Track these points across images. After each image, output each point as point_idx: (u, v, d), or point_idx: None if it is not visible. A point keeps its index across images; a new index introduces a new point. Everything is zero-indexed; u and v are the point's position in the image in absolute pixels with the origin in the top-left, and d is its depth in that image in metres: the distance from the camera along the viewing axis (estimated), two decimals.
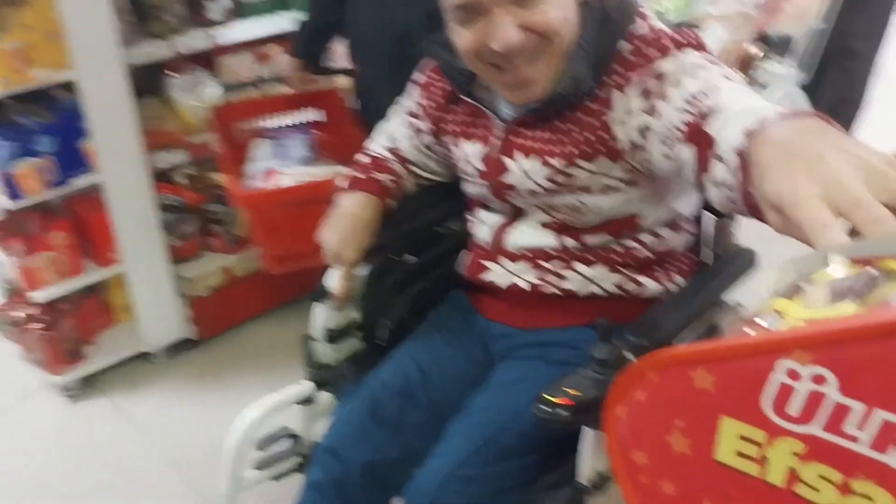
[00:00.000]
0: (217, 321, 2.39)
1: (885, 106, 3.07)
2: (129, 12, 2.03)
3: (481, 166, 1.24)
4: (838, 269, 0.51)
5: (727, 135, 0.84)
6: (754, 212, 0.77)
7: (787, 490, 0.40)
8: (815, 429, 0.37)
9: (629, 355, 0.95)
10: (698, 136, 0.90)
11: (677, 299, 1.14)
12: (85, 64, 1.88)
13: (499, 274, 1.28)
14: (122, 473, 2.00)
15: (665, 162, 1.02)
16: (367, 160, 1.42)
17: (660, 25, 1.13)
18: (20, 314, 2.11)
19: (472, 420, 1.17)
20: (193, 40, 2.11)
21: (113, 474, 1.99)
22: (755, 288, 1.25)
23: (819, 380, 0.36)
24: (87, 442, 2.11)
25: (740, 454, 0.41)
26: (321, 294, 1.33)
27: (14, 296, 2.17)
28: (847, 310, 0.45)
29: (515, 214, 1.27)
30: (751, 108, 0.84)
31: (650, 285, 1.22)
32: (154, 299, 2.22)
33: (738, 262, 1.21)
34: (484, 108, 1.22)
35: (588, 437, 1.02)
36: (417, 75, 1.36)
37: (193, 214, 2.28)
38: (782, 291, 0.53)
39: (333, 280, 1.33)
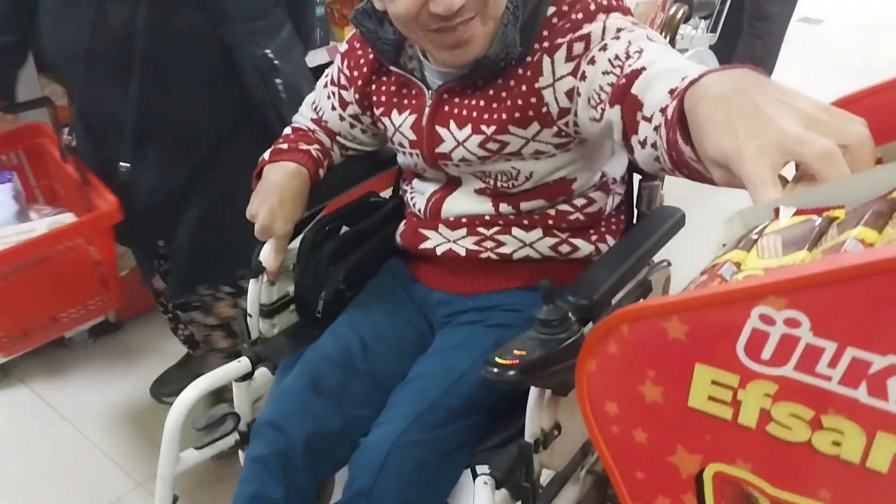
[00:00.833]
0: (137, 302, 2.32)
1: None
2: None
3: (413, 136, 1.24)
4: (785, 220, 0.53)
5: (652, 95, 0.86)
6: (681, 169, 0.79)
7: (758, 431, 0.42)
8: (788, 370, 0.39)
9: (571, 315, 0.97)
10: (624, 97, 0.92)
11: (611, 259, 1.17)
12: None
13: (437, 241, 1.29)
14: (54, 462, 1.93)
15: (593, 125, 1.04)
16: (290, 132, 1.40)
17: None
18: None
19: (415, 386, 1.18)
20: None
21: (45, 464, 1.92)
22: (684, 245, 1.30)
23: (792, 323, 0.38)
24: (11, 433, 2.03)
25: (713, 399, 0.43)
26: (255, 269, 1.30)
27: None
28: (799, 257, 0.47)
29: (450, 182, 1.27)
30: (675, 67, 0.86)
31: (583, 247, 1.26)
32: None
33: (667, 222, 1.25)
34: (413, 78, 1.22)
35: (533, 395, 1.04)
36: (340, 45, 1.34)
37: None
38: (734, 243, 0.55)
39: (265, 254, 1.30)
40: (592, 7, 1.09)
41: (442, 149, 1.21)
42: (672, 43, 1.41)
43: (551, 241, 1.24)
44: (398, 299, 1.34)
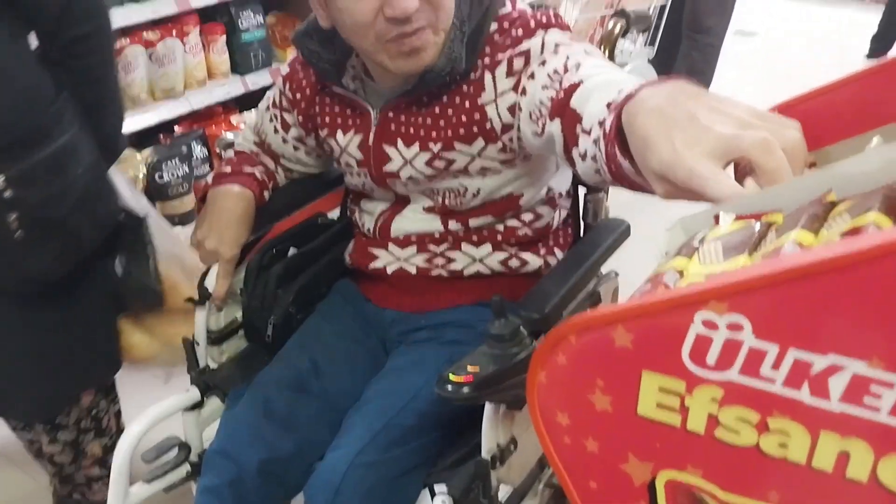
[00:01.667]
0: None
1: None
2: None
3: (360, 156, 1.23)
4: (725, 226, 0.54)
5: (590, 108, 0.86)
6: (621, 181, 0.80)
7: (707, 436, 0.43)
8: (733, 374, 0.40)
9: (523, 329, 0.97)
10: (563, 111, 0.93)
11: (560, 272, 1.17)
12: None
13: (387, 260, 1.28)
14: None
15: (536, 139, 1.05)
16: (233, 156, 1.38)
17: (523, 6, 1.16)
18: None
19: (369, 407, 1.16)
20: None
21: None
22: (630, 255, 1.32)
23: (734, 327, 0.38)
24: None
25: (661, 406, 0.43)
26: (202, 296, 1.28)
27: None
28: (740, 262, 0.48)
29: (399, 201, 1.27)
30: (612, 80, 0.87)
31: (532, 261, 1.26)
32: None
33: (613, 233, 1.27)
34: (357, 98, 1.21)
35: (488, 411, 1.04)
36: (282, 67, 1.33)
37: None
38: (676, 251, 0.56)
39: (211, 280, 1.28)
40: (532, 24, 1.10)
41: (389, 167, 1.20)
42: (611, 57, 1.44)
43: (501, 255, 1.25)
44: (349, 320, 1.33)
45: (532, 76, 1.05)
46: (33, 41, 1.15)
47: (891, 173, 0.46)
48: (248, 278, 1.34)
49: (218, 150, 2.43)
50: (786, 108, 0.68)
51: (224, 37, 2.47)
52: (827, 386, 0.38)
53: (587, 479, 0.51)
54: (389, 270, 1.28)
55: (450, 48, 1.09)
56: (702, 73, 3.12)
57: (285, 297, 1.34)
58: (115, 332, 1.37)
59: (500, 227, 1.24)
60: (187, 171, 2.34)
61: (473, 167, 1.16)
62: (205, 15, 2.41)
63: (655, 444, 0.45)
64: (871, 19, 4.82)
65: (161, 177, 2.29)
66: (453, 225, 1.23)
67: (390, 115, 1.19)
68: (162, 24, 2.28)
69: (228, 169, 1.33)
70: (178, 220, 2.38)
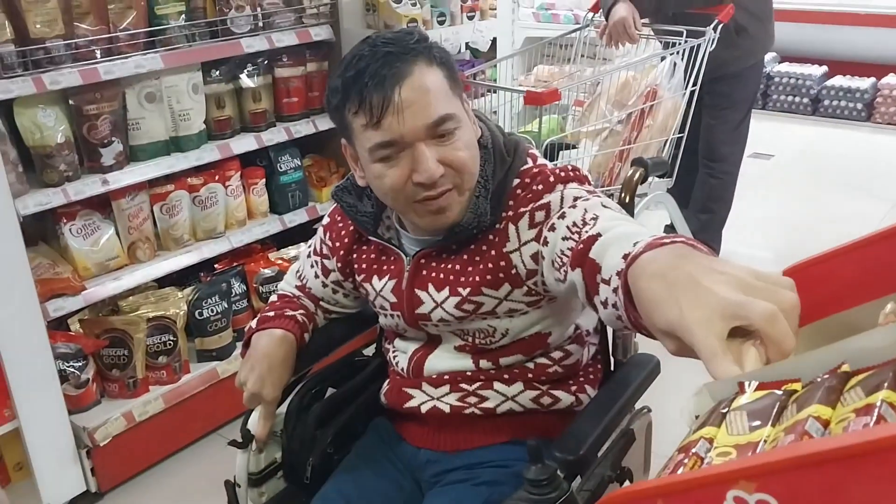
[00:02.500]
0: (119, 470, 2.28)
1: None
2: (20, 163, 2.01)
3: (394, 299, 1.29)
4: (749, 394, 0.58)
5: (608, 260, 0.92)
6: (640, 330, 0.85)
7: None
8: None
9: (560, 472, 0.99)
10: (583, 261, 0.99)
11: (593, 411, 1.20)
12: None
13: (421, 399, 1.32)
14: None
15: (559, 285, 1.11)
16: (276, 299, 1.45)
17: (545, 162, 1.25)
18: None
19: None
20: (87, 186, 2.09)
21: None
22: (661, 391, 1.34)
23: None
24: None
25: None
26: (245, 438, 1.31)
27: None
28: (764, 433, 0.52)
29: (431, 341, 1.32)
30: (628, 233, 0.94)
31: (564, 398, 1.29)
32: (51, 454, 2.09)
33: (644, 369, 1.30)
34: (391, 246, 1.29)
35: None
36: (324, 219, 1.41)
37: (90, 361, 2.20)
38: (705, 418, 0.60)
39: (254, 422, 1.32)
40: (551, 179, 1.19)
41: (422, 310, 1.26)
42: (632, 202, 1.51)
43: (532, 393, 1.28)
44: (385, 460, 1.36)
45: (553, 228, 1.12)
46: None
47: None
48: (288, 420, 1.38)
49: (255, 286, 2.52)
50: (796, 272, 0.72)
51: (264, 179, 2.59)
52: None
53: None
54: (424, 409, 1.31)
55: (475, 205, 1.17)
56: (720, 199, 3.17)
57: (323, 438, 1.38)
58: None
59: (531, 365, 1.28)
60: (226, 306, 2.42)
61: (501, 309, 1.22)
62: (245, 160, 2.54)
63: None
64: (884, 140, 4.96)
65: (201, 313, 2.36)
66: (484, 363, 1.27)
67: (422, 261, 1.26)
68: (205, 171, 2.41)
69: (272, 313, 1.40)
70: (217, 354, 2.44)
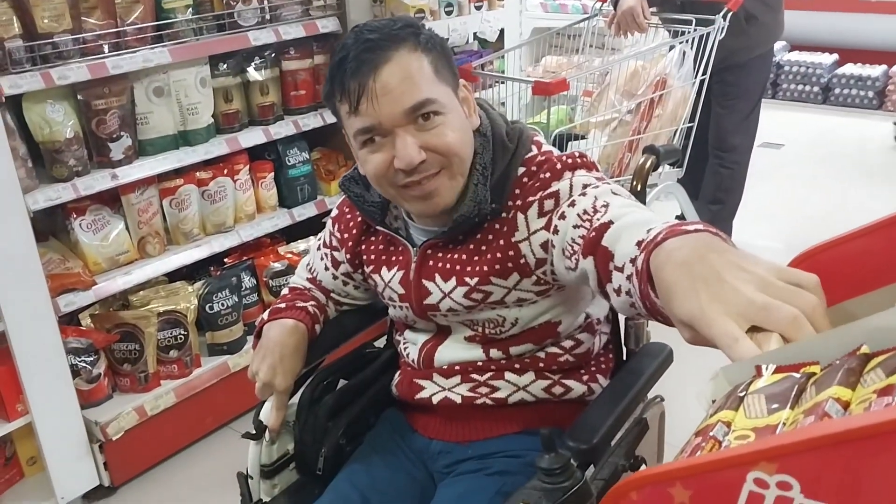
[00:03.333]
0: (132, 464, 2.29)
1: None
2: (29, 158, 2.02)
3: (402, 290, 1.29)
4: (766, 377, 0.57)
5: (621, 246, 0.92)
6: (655, 316, 0.84)
7: None
8: None
9: (573, 461, 0.99)
10: (595, 249, 0.98)
11: (606, 400, 1.20)
12: None
13: (432, 390, 1.32)
14: None
15: (570, 273, 1.10)
16: (288, 292, 1.45)
17: (551, 149, 1.24)
18: None
19: None
20: (96, 181, 2.10)
21: None
22: (674, 380, 1.33)
23: (784, 486, 0.41)
24: None
25: None
26: (258, 429, 1.31)
27: None
28: (783, 416, 0.51)
29: (441, 332, 1.32)
30: (640, 220, 0.93)
31: (576, 387, 1.28)
32: (64, 448, 2.11)
33: (657, 358, 1.29)
34: (398, 237, 1.29)
35: None
36: (333, 211, 1.41)
37: (101, 355, 2.21)
38: (722, 401, 0.59)
39: (266, 412, 1.32)
40: (559, 166, 1.17)
41: (429, 301, 1.26)
42: (644, 190, 1.50)
43: (544, 383, 1.27)
44: (398, 451, 1.35)
45: (563, 216, 1.11)
46: None
47: None
48: (300, 411, 1.38)
49: (265, 280, 2.53)
50: (808, 257, 0.72)
51: (272, 173, 2.60)
52: None
53: None
54: (435, 400, 1.31)
55: (475, 192, 1.16)
56: (730, 189, 3.16)
57: (335, 429, 1.38)
58: None
59: (542, 355, 1.27)
60: (236, 300, 2.43)
61: (510, 298, 1.21)
62: (254, 153, 2.54)
63: None
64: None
65: (211, 307, 2.37)
66: (494, 353, 1.27)
67: (429, 252, 1.25)
68: (214, 164, 2.42)
69: (283, 305, 1.40)
70: (227, 347, 2.44)
